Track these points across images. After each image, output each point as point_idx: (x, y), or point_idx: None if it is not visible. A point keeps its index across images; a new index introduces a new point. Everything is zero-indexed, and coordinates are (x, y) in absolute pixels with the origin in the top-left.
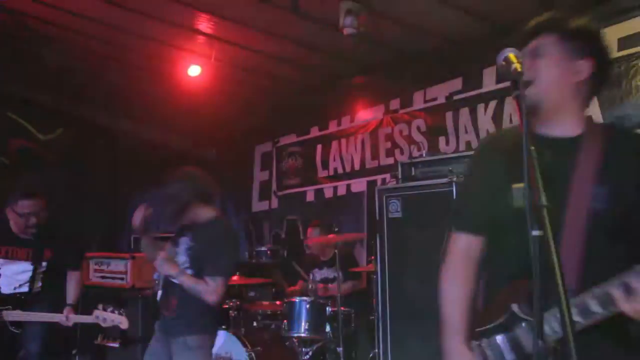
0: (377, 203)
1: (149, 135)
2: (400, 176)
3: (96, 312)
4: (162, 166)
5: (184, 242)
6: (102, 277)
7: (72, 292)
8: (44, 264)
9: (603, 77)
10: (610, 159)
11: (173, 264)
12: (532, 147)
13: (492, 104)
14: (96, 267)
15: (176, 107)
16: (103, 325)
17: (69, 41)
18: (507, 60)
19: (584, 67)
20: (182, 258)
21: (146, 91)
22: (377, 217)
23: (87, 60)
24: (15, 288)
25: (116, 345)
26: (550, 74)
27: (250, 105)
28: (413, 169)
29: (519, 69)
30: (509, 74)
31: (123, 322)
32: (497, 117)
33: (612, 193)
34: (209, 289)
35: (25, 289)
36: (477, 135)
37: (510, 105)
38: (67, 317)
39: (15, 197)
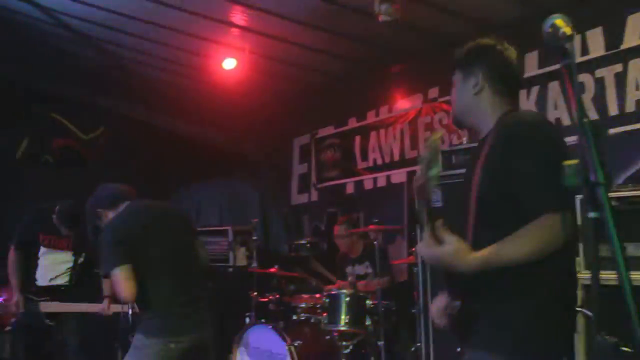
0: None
1: (187, 130)
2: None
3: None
4: (200, 161)
5: None
6: None
7: (108, 284)
8: (84, 255)
9: (500, 80)
10: (491, 151)
11: None
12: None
13: (535, 90)
14: None
15: (213, 102)
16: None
17: (106, 39)
18: (554, 26)
19: (477, 82)
20: None
21: (182, 86)
22: (417, 207)
23: (124, 57)
24: (51, 279)
25: None
26: (457, 98)
27: (287, 97)
28: (453, 157)
29: (569, 33)
30: (557, 39)
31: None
32: (540, 103)
33: (487, 181)
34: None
35: (61, 280)
36: None
37: (554, 90)
38: (108, 307)
39: (59, 216)
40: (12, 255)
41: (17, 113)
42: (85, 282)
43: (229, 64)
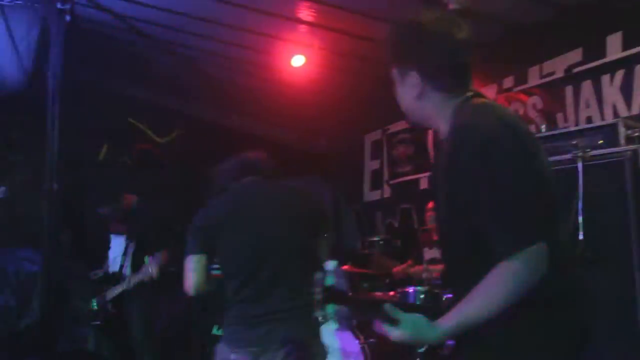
0: None
1: (258, 129)
2: None
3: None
4: (272, 160)
5: None
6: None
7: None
8: (133, 243)
9: (444, 75)
10: (450, 159)
11: None
12: None
13: (619, 74)
14: None
15: (282, 99)
16: (154, 272)
17: (175, 41)
18: None
19: (414, 80)
20: None
21: (252, 85)
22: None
23: (193, 58)
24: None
25: None
26: (402, 100)
27: (357, 93)
28: None
29: None
30: None
31: (152, 268)
32: (625, 89)
33: (451, 191)
34: None
35: (117, 267)
36: (601, 109)
37: None
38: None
39: None
40: None
41: (96, 117)
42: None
43: (298, 61)
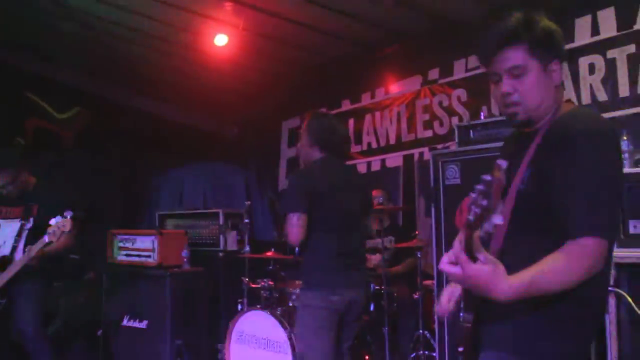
0: (432, 169)
1: (169, 112)
2: (457, 140)
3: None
4: (181, 143)
5: None
6: (127, 255)
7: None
8: (32, 220)
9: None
10: (544, 149)
11: None
12: None
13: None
14: (121, 244)
15: (199, 81)
16: (54, 239)
17: (86, 12)
18: None
19: (557, 71)
20: None
21: (167, 65)
22: (432, 185)
23: (105, 32)
24: None
25: (143, 326)
26: (537, 91)
27: (278, 78)
28: (472, 132)
29: None
30: None
31: (66, 225)
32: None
33: (532, 180)
34: None
35: (8, 250)
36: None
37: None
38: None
39: None
40: None
41: None
42: None
43: (221, 40)
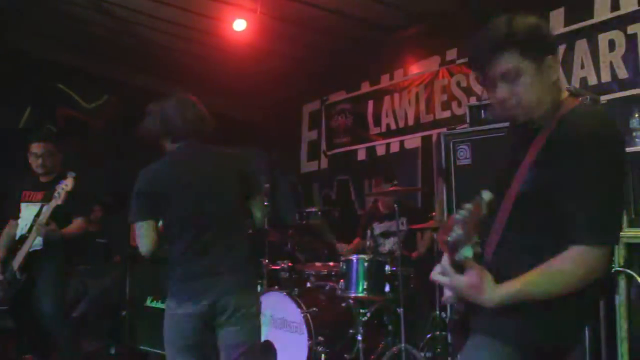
0: (443, 150)
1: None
2: (468, 120)
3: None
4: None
5: None
6: None
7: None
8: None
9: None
10: (547, 148)
11: None
12: None
13: (561, 49)
14: None
15: (220, 66)
16: (60, 201)
17: (110, 4)
18: None
19: (552, 66)
20: None
21: (189, 50)
22: (444, 165)
23: (128, 22)
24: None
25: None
26: (533, 91)
27: (297, 61)
28: (483, 111)
29: None
30: None
31: (69, 184)
32: (566, 63)
33: (534, 180)
34: None
35: (26, 230)
36: None
37: (581, 49)
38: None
39: (29, 141)
40: None
41: (22, 83)
42: None
43: (239, 25)
